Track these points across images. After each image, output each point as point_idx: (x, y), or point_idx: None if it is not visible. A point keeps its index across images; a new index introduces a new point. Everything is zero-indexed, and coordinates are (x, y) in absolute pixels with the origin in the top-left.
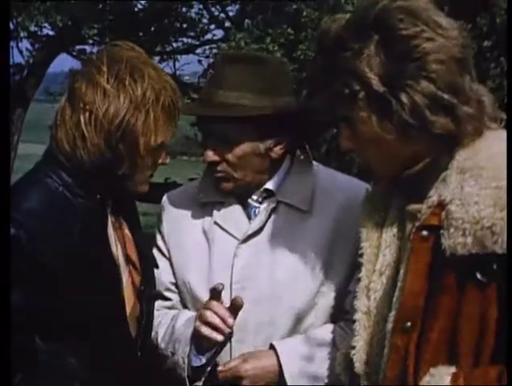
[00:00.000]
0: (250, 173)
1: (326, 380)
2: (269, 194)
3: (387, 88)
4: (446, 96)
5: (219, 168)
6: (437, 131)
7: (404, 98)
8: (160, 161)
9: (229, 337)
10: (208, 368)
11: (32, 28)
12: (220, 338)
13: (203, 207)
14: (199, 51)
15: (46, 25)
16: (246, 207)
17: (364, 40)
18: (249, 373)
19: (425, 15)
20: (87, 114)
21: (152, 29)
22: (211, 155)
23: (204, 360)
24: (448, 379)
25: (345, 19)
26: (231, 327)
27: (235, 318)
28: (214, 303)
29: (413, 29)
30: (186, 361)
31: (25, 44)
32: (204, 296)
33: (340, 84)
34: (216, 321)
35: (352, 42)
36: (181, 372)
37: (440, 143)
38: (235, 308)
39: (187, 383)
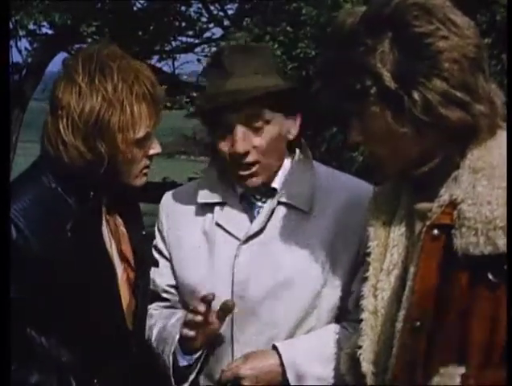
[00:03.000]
0: (275, 159)
1: (330, 381)
2: (272, 193)
3: (399, 85)
4: (459, 94)
5: (248, 159)
6: (453, 125)
7: (416, 95)
8: (152, 151)
9: (213, 333)
10: (195, 371)
11: (31, 27)
12: (198, 318)
13: (203, 208)
14: (198, 50)
15: (44, 24)
16: (250, 207)
17: (378, 36)
18: (249, 373)
19: (440, 13)
20: (64, 119)
21: (151, 28)
22: (242, 145)
23: (190, 361)
24: (457, 380)
25: (361, 13)
26: (207, 317)
27: (222, 320)
28: (196, 304)
29: (427, 27)
30: (171, 360)
31: (24, 43)
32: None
33: (351, 79)
34: (198, 319)
35: (366, 37)
36: (167, 372)
37: (452, 141)
38: (224, 311)
39: (173, 382)
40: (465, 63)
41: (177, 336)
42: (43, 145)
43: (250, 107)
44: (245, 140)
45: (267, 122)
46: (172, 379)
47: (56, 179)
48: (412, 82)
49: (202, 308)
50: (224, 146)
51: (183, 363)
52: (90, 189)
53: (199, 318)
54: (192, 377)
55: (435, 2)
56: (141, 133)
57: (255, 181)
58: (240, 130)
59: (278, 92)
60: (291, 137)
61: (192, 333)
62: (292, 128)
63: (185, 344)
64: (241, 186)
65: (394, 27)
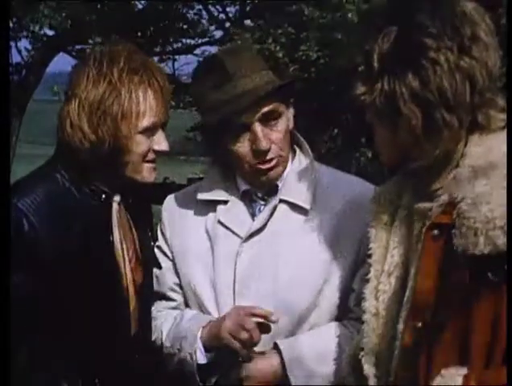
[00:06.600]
0: (287, 150)
1: (331, 379)
2: (274, 191)
3: (380, 68)
4: (427, 95)
5: (270, 155)
6: (405, 123)
7: (386, 84)
8: (157, 147)
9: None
10: (217, 370)
11: (34, 28)
12: (244, 352)
13: (205, 207)
14: (198, 51)
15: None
16: (252, 205)
17: (390, 20)
18: (250, 373)
19: (447, 15)
20: (72, 101)
21: (152, 29)
22: (265, 142)
23: (209, 358)
24: (459, 380)
25: None
26: (255, 343)
27: (263, 332)
28: (247, 320)
29: (423, 20)
30: (194, 357)
31: (24, 43)
32: (208, 295)
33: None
34: (245, 336)
35: (379, 19)
36: (189, 369)
37: (430, 142)
38: (266, 324)
39: (198, 378)
40: (447, 69)
41: (199, 334)
42: (57, 135)
43: (266, 103)
44: (265, 137)
45: (280, 115)
46: (196, 375)
47: (70, 178)
48: (389, 70)
49: (251, 325)
50: (240, 147)
51: (201, 360)
52: (103, 189)
53: (245, 334)
54: (216, 377)
55: (452, 4)
56: (145, 122)
57: (274, 173)
58: (259, 128)
59: (283, 84)
60: (291, 127)
61: (237, 344)
62: (291, 118)
63: (206, 342)
64: (246, 183)
65: (404, 17)
